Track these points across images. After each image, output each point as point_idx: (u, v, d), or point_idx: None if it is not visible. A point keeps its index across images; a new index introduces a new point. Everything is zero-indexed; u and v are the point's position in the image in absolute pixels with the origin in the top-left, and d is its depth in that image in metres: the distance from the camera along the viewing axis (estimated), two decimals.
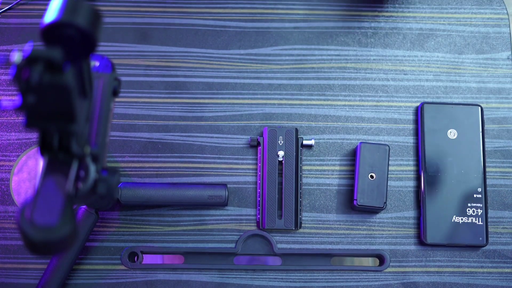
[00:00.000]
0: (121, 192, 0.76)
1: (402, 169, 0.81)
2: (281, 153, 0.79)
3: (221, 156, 0.81)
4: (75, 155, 0.51)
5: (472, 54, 0.85)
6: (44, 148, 0.51)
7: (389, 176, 0.80)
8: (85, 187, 0.53)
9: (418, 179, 0.80)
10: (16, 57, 0.45)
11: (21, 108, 0.47)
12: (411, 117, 0.83)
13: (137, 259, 0.78)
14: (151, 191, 0.77)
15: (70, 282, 0.77)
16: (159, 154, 0.80)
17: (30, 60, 0.45)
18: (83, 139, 0.53)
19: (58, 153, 0.51)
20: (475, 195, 0.79)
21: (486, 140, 0.82)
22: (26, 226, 0.47)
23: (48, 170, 0.51)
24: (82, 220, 0.75)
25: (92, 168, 0.54)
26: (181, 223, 0.79)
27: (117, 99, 0.82)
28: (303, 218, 0.79)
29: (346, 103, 0.83)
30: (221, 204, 0.78)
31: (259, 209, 0.79)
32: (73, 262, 0.75)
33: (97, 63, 0.61)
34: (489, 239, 0.79)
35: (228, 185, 0.80)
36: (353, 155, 0.81)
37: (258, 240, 0.79)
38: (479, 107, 0.81)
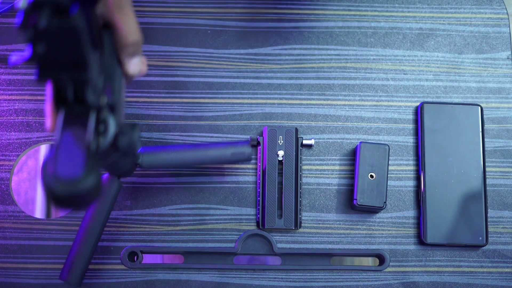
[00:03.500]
0: (142, 158, 0.73)
1: (402, 169, 0.81)
2: (281, 152, 0.79)
3: None
4: (91, 105, 0.50)
5: (472, 54, 0.85)
6: (59, 101, 0.50)
7: (389, 175, 0.80)
8: (106, 140, 0.52)
9: (418, 179, 0.80)
10: (22, 2, 0.44)
11: (32, 59, 0.46)
12: (411, 116, 0.83)
13: (136, 259, 0.78)
14: (172, 154, 0.74)
15: None
16: None
17: (36, 5, 0.44)
18: (98, 89, 0.52)
19: (73, 106, 0.50)
20: (475, 195, 0.79)
21: (486, 140, 0.82)
22: (50, 180, 0.46)
23: (66, 123, 0.50)
24: (105, 187, 0.72)
25: (111, 120, 0.52)
26: (181, 223, 0.79)
27: None
28: (303, 218, 0.79)
29: (346, 102, 0.83)
30: (244, 160, 0.75)
31: (259, 208, 0.79)
32: (101, 233, 0.72)
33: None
34: (489, 239, 0.79)
35: (228, 185, 0.80)
36: (353, 155, 0.81)
37: (258, 240, 0.79)
38: (479, 107, 0.81)
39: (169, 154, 0.74)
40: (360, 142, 0.79)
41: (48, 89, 0.52)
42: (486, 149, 0.81)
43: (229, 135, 0.81)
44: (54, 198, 0.47)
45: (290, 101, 0.83)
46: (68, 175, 0.47)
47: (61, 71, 0.48)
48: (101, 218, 0.73)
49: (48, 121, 0.53)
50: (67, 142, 0.49)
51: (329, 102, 0.83)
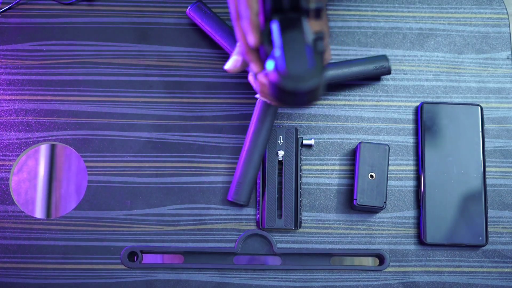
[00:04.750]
0: None
1: (402, 169, 0.81)
2: (281, 152, 0.79)
3: (221, 155, 0.81)
4: (303, 10, 0.55)
5: (472, 54, 0.85)
6: (275, 10, 0.56)
7: (389, 175, 0.80)
8: (321, 43, 0.56)
9: (418, 179, 0.80)
10: None
11: None
12: (411, 116, 0.83)
13: (136, 259, 0.78)
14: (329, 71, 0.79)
15: (69, 282, 0.77)
16: (159, 154, 0.80)
17: None
18: None
19: (287, 13, 0.55)
20: (475, 195, 0.79)
21: (486, 140, 0.82)
22: (279, 76, 0.52)
23: (283, 28, 0.55)
24: (263, 108, 0.77)
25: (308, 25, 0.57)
26: (181, 223, 0.79)
27: (116, 99, 0.82)
28: (303, 218, 0.79)
29: (346, 102, 0.83)
30: (386, 73, 0.81)
31: (258, 208, 0.79)
32: (263, 153, 0.78)
33: None
34: (489, 238, 0.79)
35: (228, 185, 0.79)
36: (352, 155, 0.81)
37: (257, 240, 0.79)
38: (479, 107, 0.81)
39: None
40: (360, 142, 0.79)
41: (253, 4, 0.58)
42: (486, 149, 0.81)
43: (229, 135, 0.81)
44: (281, 93, 0.53)
45: None
46: (297, 72, 0.52)
47: None
48: (262, 139, 0.77)
49: (252, 36, 0.59)
50: (289, 43, 0.54)
51: (329, 102, 0.83)
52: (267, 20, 0.57)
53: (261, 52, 0.59)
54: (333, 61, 0.84)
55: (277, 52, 0.53)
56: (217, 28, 0.81)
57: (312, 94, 0.53)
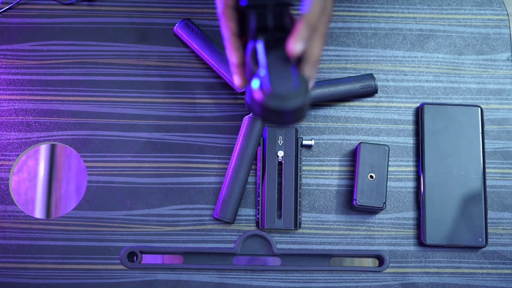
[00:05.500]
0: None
1: (401, 170, 0.81)
2: (280, 153, 0.79)
3: (220, 156, 0.81)
4: (288, 30, 0.57)
5: (472, 55, 0.85)
6: (260, 30, 0.57)
7: (388, 176, 0.80)
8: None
9: (417, 179, 0.80)
10: None
11: None
12: (411, 117, 0.83)
13: (136, 259, 0.78)
14: (317, 89, 0.80)
15: (68, 282, 0.77)
16: (158, 154, 0.80)
17: None
18: (293, 17, 0.58)
19: (272, 33, 0.57)
20: (474, 196, 0.78)
21: (486, 141, 0.82)
22: (265, 95, 0.53)
23: (268, 48, 0.56)
24: (249, 127, 0.78)
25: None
26: (180, 223, 0.79)
27: (116, 99, 0.82)
28: (302, 219, 0.79)
29: (346, 103, 0.83)
30: (373, 92, 0.81)
31: (258, 209, 0.79)
32: (248, 172, 0.79)
33: None
34: (489, 240, 0.79)
35: None
36: (352, 156, 0.81)
37: (257, 240, 0.79)
38: (479, 108, 0.81)
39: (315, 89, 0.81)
40: (360, 143, 0.79)
41: (231, 26, 0.59)
42: (486, 150, 0.81)
43: (229, 136, 0.81)
44: (266, 112, 0.54)
45: None
46: (282, 91, 0.53)
47: None
48: (247, 158, 0.78)
49: (232, 56, 0.60)
50: (274, 63, 0.55)
51: (328, 102, 0.83)
52: (253, 39, 0.58)
53: (247, 70, 0.60)
54: (322, 77, 0.84)
55: (262, 71, 0.54)
56: (204, 46, 0.82)
57: (297, 113, 0.54)
